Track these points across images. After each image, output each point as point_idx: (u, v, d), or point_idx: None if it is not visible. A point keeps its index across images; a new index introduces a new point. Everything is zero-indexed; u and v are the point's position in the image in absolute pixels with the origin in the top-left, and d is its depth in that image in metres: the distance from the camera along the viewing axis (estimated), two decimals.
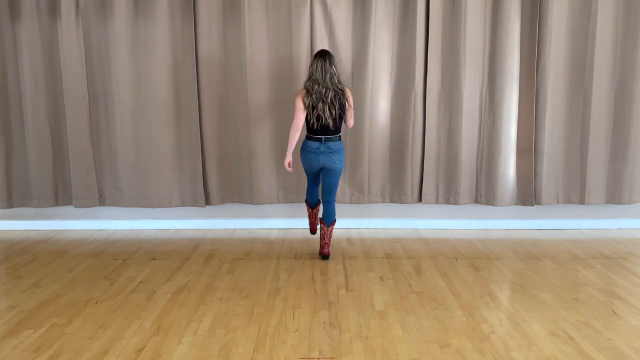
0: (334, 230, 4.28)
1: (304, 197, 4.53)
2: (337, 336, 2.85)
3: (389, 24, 4.61)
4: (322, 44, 4.57)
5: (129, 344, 2.78)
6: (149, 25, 4.57)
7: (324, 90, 3.70)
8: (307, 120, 3.87)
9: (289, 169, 4.04)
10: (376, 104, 4.71)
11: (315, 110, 3.75)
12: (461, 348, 2.71)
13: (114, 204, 4.87)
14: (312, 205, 4.28)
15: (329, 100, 3.71)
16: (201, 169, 4.75)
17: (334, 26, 4.60)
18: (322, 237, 4.08)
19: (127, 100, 4.67)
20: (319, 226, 4.21)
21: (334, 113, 3.75)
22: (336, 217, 4.16)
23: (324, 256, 4.08)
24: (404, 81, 4.68)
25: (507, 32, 4.54)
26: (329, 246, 4.09)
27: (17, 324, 3.02)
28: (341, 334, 2.87)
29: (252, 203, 4.83)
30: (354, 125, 4.72)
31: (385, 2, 4.57)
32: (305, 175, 4.24)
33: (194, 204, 4.82)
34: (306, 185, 4.29)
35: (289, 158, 3.99)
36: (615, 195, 4.81)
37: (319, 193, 4.27)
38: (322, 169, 3.96)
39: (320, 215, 4.27)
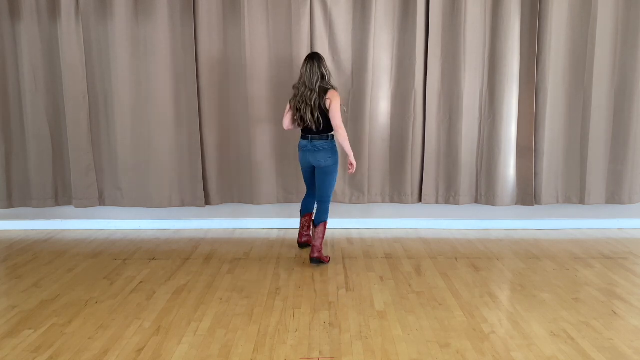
0: (330, 231, 4.09)
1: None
2: (337, 336, 2.85)
3: (389, 24, 4.61)
4: (322, 44, 4.57)
5: (129, 344, 2.78)
6: (149, 26, 4.57)
7: (309, 93, 3.77)
8: (295, 120, 3.95)
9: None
10: (376, 104, 4.70)
11: (299, 112, 3.84)
12: (461, 348, 2.71)
13: (114, 204, 4.87)
14: (301, 211, 4.26)
15: (311, 103, 3.77)
16: (201, 169, 4.75)
17: (334, 26, 4.60)
18: (312, 239, 4.04)
19: (127, 100, 4.67)
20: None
21: (315, 115, 3.78)
22: (328, 218, 4.01)
23: (311, 259, 3.90)
24: (404, 81, 4.68)
25: (507, 32, 4.54)
26: (318, 250, 3.89)
27: (17, 324, 3.02)
28: (341, 334, 2.87)
29: (252, 203, 4.82)
30: (354, 125, 4.71)
31: (385, 2, 4.56)
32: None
33: (194, 204, 4.82)
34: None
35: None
36: (615, 195, 4.81)
37: (312, 204, 4.19)
38: (314, 169, 4.00)
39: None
